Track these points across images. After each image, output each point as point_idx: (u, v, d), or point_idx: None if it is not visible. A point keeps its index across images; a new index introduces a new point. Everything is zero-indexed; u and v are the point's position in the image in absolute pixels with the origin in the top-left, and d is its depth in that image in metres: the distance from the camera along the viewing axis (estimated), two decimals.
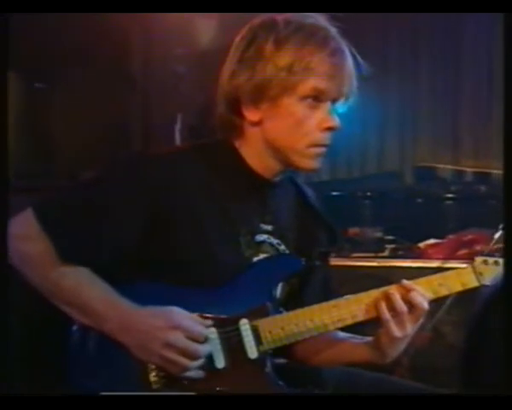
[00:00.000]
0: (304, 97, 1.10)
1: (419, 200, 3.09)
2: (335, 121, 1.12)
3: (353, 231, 2.68)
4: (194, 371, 1.09)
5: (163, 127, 2.75)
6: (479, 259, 1.20)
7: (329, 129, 1.12)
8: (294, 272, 1.19)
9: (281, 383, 1.13)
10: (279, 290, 1.19)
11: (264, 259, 1.17)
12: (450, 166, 3.43)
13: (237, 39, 1.14)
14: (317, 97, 1.11)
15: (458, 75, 3.70)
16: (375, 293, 1.15)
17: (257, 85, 1.10)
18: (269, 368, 1.13)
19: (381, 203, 3.06)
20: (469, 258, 2.23)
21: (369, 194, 3.03)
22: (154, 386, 1.09)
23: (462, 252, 2.46)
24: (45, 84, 2.53)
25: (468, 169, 3.41)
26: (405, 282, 1.14)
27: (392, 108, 3.57)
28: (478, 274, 1.19)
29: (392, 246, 2.71)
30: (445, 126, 3.64)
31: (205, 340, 1.10)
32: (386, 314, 1.12)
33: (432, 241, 2.65)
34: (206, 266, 1.13)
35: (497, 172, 3.41)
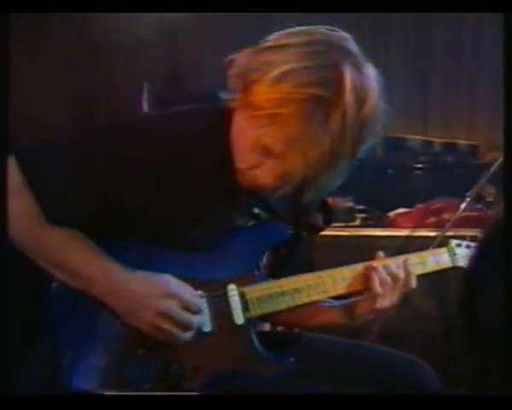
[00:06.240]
0: None
1: (389, 170, 3.12)
2: None
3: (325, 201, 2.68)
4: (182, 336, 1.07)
5: (129, 97, 2.67)
6: (453, 241, 1.35)
7: None
8: (282, 241, 1.19)
9: (263, 349, 1.13)
10: (267, 258, 1.19)
11: (253, 225, 1.17)
12: (418, 137, 3.47)
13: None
14: None
15: (428, 48, 3.72)
16: (357, 267, 1.19)
17: None
18: (253, 335, 1.13)
19: (353, 173, 3.07)
20: (437, 226, 2.29)
21: None
22: (140, 350, 1.06)
23: (431, 220, 2.49)
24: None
25: (436, 140, 3.45)
26: (384, 258, 1.19)
27: None
28: (452, 255, 1.33)
29: (363, 215, 2.73)
30: (414, 99, 3.67)
31: (198, 311, 1.08)
32: (379, 288, 1.15)
33: (401, 210, 2.68)
34: (197, 228, 1.10)
35: (463, 142, 3.48)
